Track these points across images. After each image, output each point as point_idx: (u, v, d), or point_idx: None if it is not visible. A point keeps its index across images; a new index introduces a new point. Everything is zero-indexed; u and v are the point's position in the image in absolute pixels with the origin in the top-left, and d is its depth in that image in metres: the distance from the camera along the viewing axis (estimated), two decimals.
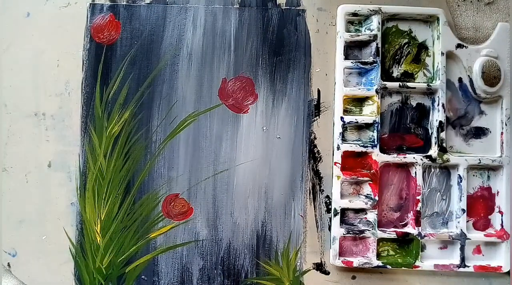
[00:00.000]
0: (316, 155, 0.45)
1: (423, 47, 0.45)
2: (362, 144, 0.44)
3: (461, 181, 0.44)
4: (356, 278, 0.45)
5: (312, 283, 0.45)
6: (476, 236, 0.44)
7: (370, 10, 0.44)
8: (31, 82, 0.46)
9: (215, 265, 0.45)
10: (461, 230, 0.43)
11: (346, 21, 0.45)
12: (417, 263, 0.43)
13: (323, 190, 0.45)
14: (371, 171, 0.44)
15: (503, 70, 0.44)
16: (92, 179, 0.45)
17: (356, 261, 0.43)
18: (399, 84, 0.44)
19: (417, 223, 0.44)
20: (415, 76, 0.45)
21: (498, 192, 0.44)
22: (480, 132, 0.45)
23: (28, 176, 0.45)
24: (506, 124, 0.44)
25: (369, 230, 0.43)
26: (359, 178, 0.44)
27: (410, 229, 0.44)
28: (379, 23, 0.44)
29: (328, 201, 0.45)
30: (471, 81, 0.44)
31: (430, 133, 0.45)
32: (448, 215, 0.45)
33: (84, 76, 0.46)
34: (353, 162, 0.44)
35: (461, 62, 0.45)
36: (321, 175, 0.45)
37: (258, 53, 0.46)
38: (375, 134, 0.44)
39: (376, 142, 0.44)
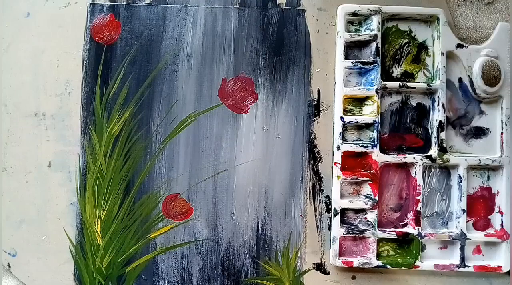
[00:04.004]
0: (316, 155, 0.45)
1: (423, 47, 0.45)
2: (362, 144, 0.44)
3: (461, 181, 0.44)
4: (356, 278, 0.45)
5: (312, 283, 0.45)
6: (476, 236, 0.44)
7: (370, 10, 0.44)
8: (31, 82, 0.46)
9: (215, 265, 0.45)
10: (461, 230, 0.43)
11: (346, 21, 0.45)
12: (417, 263, 0.43)
13: (323, 190, 0.45)
14: (371, 171, 0.44)
15: (503, 70, 0.44)
16: (92, 179, 0.45)
17: (356, 261, 0.43)
18: (399, 84, 0.44)
19: (417, 223, 0.44)
20: (415, 76, 0.45)
21: (498, 192, 0.44)
22: (480, 132, 0.45)
23: (28, 176, 0.45)
24: (506, 124, 0.44)
25: (369, 230, 0.43)
26: (359, 178, 0.44)
27: (410, 229, 0.44)
28: (379, 23, 0.44)
29: (328, 201, 0.45)
30: (471, 81, 0.44)
31: (430, 133, 0.45)
32: (448, 215, 0.45)
33: (84, 76, 0.46)
34: (353, 162, 0.44)
35: (461, 62, 0.45)
36: (321, 175, 0.45)
37: (258, 53, 0.46)
38: (375, 134, 0.44)
39: (376, 142, 0.44)
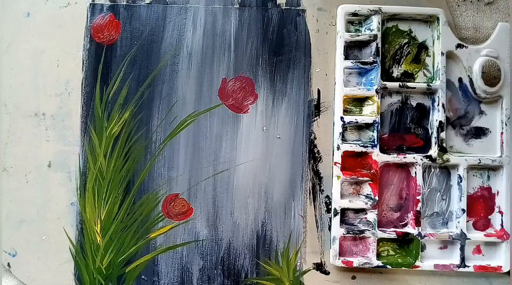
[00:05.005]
0: (316, 155, 0.45)
1: (423, 47, 0.45)
2: (362, 144, 0.44)
3: (461, 181, 0.44)
4: (356, 278, 0.45)
5: (312, 283, 0.45)
6: (476, 236, 0.44)
7: (370, 10, 0.44)
8: (31, 82, 0.46)
9: (215, 265, 0.45)
10: (461, 230, 0.43)
11: (346, 21, 0.45)
12: (417, 263, 0.43)
13: (323, 190, 0.45)
14: (371, 171, 0.44)
15: (503, 70, 0.44)
16: (92, 179, 0.45)
17: (356, 261, 0.43)
18: (399, 84, 0.44)
19: (417, 223, 0.44)
20: (415, 76, 0.45)
21: (498, 192, 0.44)
22: (480, 132, 0.45)
23: (28, 176, 0.45)
24: (506, 124, 0.44)
25: (369, 230, 0.43)
26: (359, 178, 0.44)
27: (410, 229, 0.44)
28: (379, 23, 0.44)
29: (328, 201, 0.45)
30: (471, 81, 0.44)
31: (430, 133, 0.45)
32: (448, 215, 0.45)
33: (84, 76, 0.46)
34: (353, 162, 0.44)
35: (461, 62, 0.45)
36: (321, 175, 0.45)
37: (258, 53, 0.46)
38: (375, 134, 0.44)
39: (376, 142, 0.44)
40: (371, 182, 0.44)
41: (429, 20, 0.45)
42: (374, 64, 0.44)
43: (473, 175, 0.45)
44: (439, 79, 0.44)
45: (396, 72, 0.45)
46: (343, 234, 0.43)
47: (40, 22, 0.46)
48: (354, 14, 0.45)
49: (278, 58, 0.46)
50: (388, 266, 0.43)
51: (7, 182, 0.46)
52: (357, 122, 0.44)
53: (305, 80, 0.46)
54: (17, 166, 0.46)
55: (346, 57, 0.45)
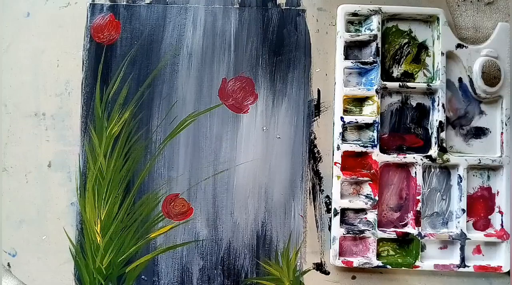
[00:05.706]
0: (316, 155, 0.45)
1: (423, 47, 0.45)
2: (362, 144, 0.44)
3: (461, 181, 0.44)
4: (356, 278, 0.45)
5: (312, 283, 0.45)
6: (476, 236, 0.44)
7: (370, 10, 0.44)
8: (31, 82, 0.46)
9: (215, 265, 0.45)
10: (461, 230, 0.43)
11: (346, 21, 0.45)
12: (417, 263, 0.43)
13: (323, 190, 0.45)
14: (371, 171, 0.44)
15: (503, 70, 0.44)
16: (92, 179, 0.45)
17: (356, 261, 0.43)
18: (399, 84, 0.44)
19: (417, 223, 0.44)
20: (415, 76, 0.45)
21: (498, 192, 0.44)
22: (480, 132, 0.45)
23: (28, 176, 0.45)
24: (506, 124, 0.44)
25: (369, 230, 0.43)
26: (359, 178, 0.44)
27: (410, 229, 0.44)
28: (379, 23, 0.44)
29: (328, 201, 0.45)
30: (471, 81, 0.44)
31: (430, 133, 0.45)
32: (448, 215, 0.45)
33: (84, 76, 0.46)
34: (353, 162, 0.44)
35: (461, 62, 0.45)
36: (321, 175, 0.45)
37: (258, 53, 0.46)
38: (375, 134, 0.44)
39: (376, 142, 0.44)
40: (371, 182, 0.44)
41: (429, 20, 0.45)
42: (374, 64, 0.44)
43: (473, 175, 0.45)
44: (439, 79, 0.44)
45: (396, 72, 0.45)
46: (343, 234, 0.43)
47: (40, 22, 0.46)
48: (354, 14, 0.45)
49: (278, 58, 0.46)
50: (388, 266, 0.43)
51: (7, 182, 0.46)
52: (357, 122, 0.44)
53: (305, 80, 0.46)
54: (17, 166, 0.46)
55: (346, 57, 0.45)
